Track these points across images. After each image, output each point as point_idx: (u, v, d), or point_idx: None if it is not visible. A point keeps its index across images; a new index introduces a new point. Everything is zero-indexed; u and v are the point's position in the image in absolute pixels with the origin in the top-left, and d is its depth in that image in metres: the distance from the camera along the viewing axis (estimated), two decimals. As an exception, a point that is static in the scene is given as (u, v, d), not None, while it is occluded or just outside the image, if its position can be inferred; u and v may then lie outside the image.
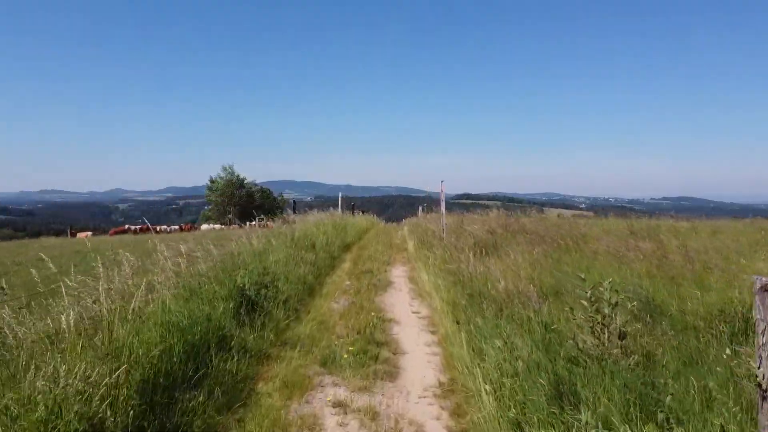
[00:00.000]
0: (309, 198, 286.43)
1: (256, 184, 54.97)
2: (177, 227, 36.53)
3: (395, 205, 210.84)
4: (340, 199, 24.29)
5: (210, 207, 52.08)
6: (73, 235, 33.78)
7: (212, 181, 52.01)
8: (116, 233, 34.63)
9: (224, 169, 52.82)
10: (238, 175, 52.23)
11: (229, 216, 49.06)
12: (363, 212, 31.95)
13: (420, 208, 24.16)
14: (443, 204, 12.72)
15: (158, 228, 34.16)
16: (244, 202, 50.29)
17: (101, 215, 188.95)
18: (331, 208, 21.86)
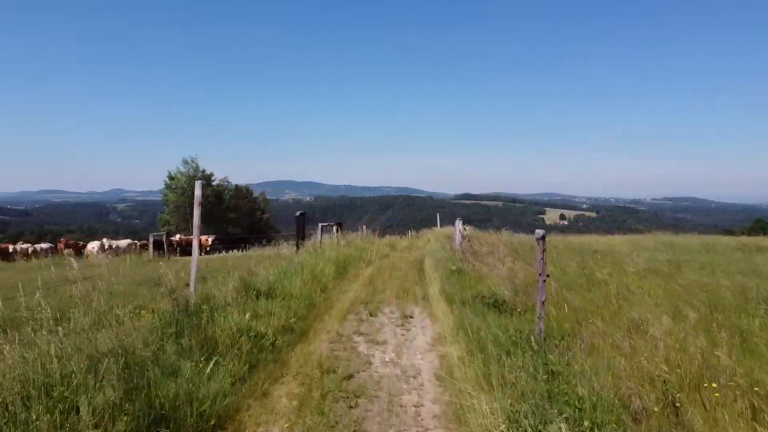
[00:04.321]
0: (309, 198, 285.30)
1: (228, 182, 45.49)
2: (49, 245, 22.86)
3: (395, 206, 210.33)
4: (195, 220, 6.14)
5: (168, 209, 41.59)
6: None
7: (171, 178, 41.26)
8: None
9: (185, 162, 41.76)
10: (203, 170, 42.33)
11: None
12: (339, 228, 18.95)
13: (459, 222, 13.93)
14: None
15: (10, 248, 21.15)
16: (211, 203, 41.08)
17: (99, 216, 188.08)
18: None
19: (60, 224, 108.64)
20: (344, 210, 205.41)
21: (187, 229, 38.81)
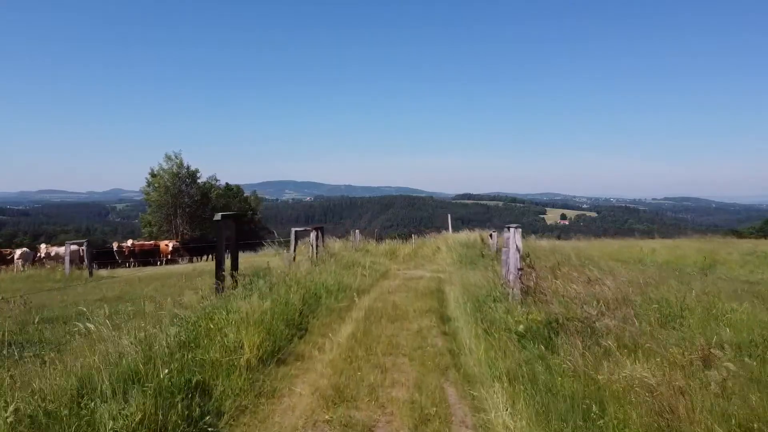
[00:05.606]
0: (309, 198, 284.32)
1: (216, 180, 42.01)
2: None
3: (396, 206, 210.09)
4: None
5: (150, 209, 38.51)
6: None
7: (153, 175, 37.85)
8: None
9: (168, 158, 38.03)
10: (188, 167, 38.76)
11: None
12: (320, 234, 12.89)
13: (516, 230, 8.76)
14: None
15: None
16: (196, 202, 38.83)
17: (98, 216, 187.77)
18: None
19: (58, 225, 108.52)
20: (344, 210, 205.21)
21: (170, 231, 36.55)
